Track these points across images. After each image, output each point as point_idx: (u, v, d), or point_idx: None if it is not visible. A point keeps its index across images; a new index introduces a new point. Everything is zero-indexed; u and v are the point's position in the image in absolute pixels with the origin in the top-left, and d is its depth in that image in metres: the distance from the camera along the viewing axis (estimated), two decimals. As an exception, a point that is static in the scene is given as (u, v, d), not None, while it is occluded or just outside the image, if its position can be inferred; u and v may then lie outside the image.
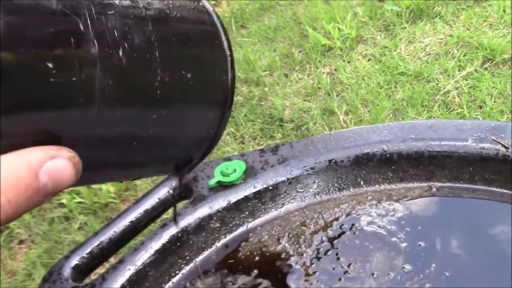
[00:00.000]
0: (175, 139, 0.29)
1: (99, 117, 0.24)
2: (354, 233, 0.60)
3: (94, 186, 1.50)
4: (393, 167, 0.66)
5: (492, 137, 0.63)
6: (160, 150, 0.29)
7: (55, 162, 0.24)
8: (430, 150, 0.64)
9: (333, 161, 0.66)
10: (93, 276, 0.63)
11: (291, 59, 1.76)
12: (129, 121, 0.26)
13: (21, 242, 1.46)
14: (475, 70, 1.45)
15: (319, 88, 1.62)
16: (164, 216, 0.75)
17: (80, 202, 1.47)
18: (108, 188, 1.48)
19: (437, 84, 1.46)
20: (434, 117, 1.34)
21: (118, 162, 0.28)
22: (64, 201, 1.47)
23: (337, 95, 1.56)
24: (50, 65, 0.22)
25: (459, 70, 1.48)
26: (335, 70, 1.67)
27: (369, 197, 0.65)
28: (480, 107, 1.35)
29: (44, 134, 0.24)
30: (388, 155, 0.65)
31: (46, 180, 0.23)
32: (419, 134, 0.66)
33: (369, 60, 1.66)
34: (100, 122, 0.25)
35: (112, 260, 1.14)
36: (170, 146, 0.29)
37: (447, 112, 1.38)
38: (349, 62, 1.68)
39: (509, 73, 1.40)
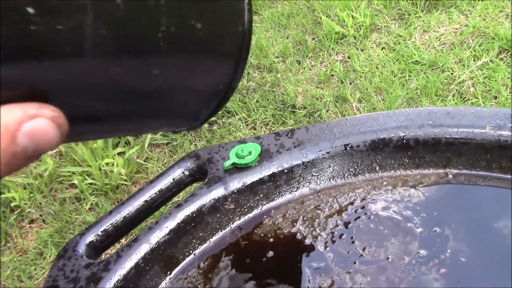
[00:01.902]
0: (180, 95, 0.26)
1: (89, 71, 0.21)
2: (369, 218, 0.60)
3: (106, 168, 1.51)
4: (409, 153, 0.65)
5: (511, 125, 0.62)
6: (164, 105, 0.25)
7: (36, 122, 0.21)
8: (447, 136, 0.64)
9: (349, 145, 0.66)
10: (106, 255, 0.64)
11: (304, 46, 1.75)
12: (125, 76, 0.23)
13: (32, 221, 1.47)
14: (491, 61, 1.44)
15: (332, 75, 1.61)
16: (177, 197, 0.76)
17: (91, 184, 1.48)
18: (120, 170, 1.48)
19: (451, 73, 1.45)
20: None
21: (112, 120, 0.25)
22: (75, 181, 1.48)
23: (350, 83, 1.56)
24: (31, 10, 0.18)
25: (474, 60, 1.46)
26: (349, 58, 1.66)
27: (385, 183, 0.65)
28: (495, 97, 1.33)
29: (25, 89, 0.21)
30: (404, 141, 0.65)
31: (25, 142, 0.21)
32: (436, 121, 0.65)
33: (383, 48, 1.65)
34: (91, 77, 0.22)
35: (124, 241, 1.15)
36: (175, 103, 0.26)
37: (462, 102, 1.37)
38: (362, 50, 1.67)
39: (525, 64, 1.39)
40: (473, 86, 1.39)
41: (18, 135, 0.21)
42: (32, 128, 0.21)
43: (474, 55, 1.49)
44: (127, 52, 0.22)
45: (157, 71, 0.23)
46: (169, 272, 0.60)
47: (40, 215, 1.47)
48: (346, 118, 0.69)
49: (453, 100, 1.37)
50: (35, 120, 0.21)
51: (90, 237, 0.62)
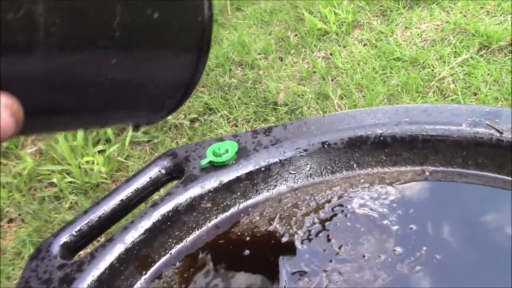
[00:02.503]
0: (141, 87, 0.25)
1: (44, 61, 0.21)
2: (346, 216, 0.60)
3: (86, 166, 1.49)
4: (386, 150, 0.65)
5: (487, 122, 0.63)
6: (124, 97, 0.25)
7: None
8: (424, 134, 0.64)
9: (327, 143, 0.66)
10: (81, 255, 0.63)
11: (286, 43, 1.74)
12: (81, 66, 0.22)
13: (10, 220, 1.45)
14: (471, 57, 1.45)
15: (314, 72, 1.61)
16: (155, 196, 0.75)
17: (71, 182, 1.46)
18: (100, 168, 1.47)
19: (432, 70, 1.46)
20: (429, 103, 1.33)
21: (72, 110, 0.24)
22: (54, 180, 1.46)
23: (332, 80, 1.56)
24: None
25: (454, 57, 1.47)
26: (331, 54, 1.66)
27: (362, 180, 0.65)
28: (475, 93, 1.34)
29: None
30: (382, 138, 0.65)
31: None
32: (413, 118, 0.65)
33: (364, 45, 1.65)
34: (46, 67, 0.21)
35: (101, 239, 1.14)
36: (136, 95, 0.25)
37: (442, 98, 1.38)
38: (344, 46, 1.67)
39: (504, 61, 1.40)
40: (453, 83, 1.40)
41: None
42: None
43: (455, 51, 1.50)
44: (82, 42, 0.21)
45: (114, 61, 0.23)
46: (144, 272, 0.60)
47: (19, 214, 1.45)
48: (324, 116, 0.68)
49: (434, 96, 1.38)
50: None
51: (64, 238, 0.61)
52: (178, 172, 0.67)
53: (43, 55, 0.20)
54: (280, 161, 0.65)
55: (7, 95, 0.21)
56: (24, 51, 0.20)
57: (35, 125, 0.23)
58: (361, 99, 1.44)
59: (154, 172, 0.67)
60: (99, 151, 1.53)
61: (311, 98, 1.50)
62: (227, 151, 0.65)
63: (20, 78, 0.21)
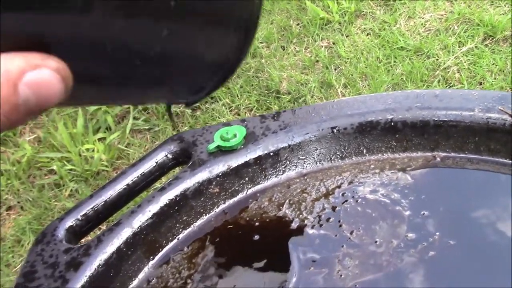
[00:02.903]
0: (187, 63, 0.25)
1: (97, 25, 0.20)
2: (357, 201, 0.59)
3: (86, 153, 1.48)
4: (397, 136, 0.64)
5: (499, 107, 0.62)
6: (168, 73, 0.25)
7: (39, 72, 0.19)
8: (436, 119, 0.63)
9: (336, 128, 0.65)
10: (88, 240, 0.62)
11: (288, 32, 1.73)
12: (133, 34, 0.21)
13: (9, 208, 1.44)
14: (476, 47, 1.44)
15: (317, 61, 1.60)
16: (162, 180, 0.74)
17: (71, 170, 1.45)
18: (100, 156, 1.45)
19: (437, 59, 1.45)
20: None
21: (117, 80, 0.24)
22: (54, 167, 1.45)
23: (335, 69, 1.54)
24: None
25: (459, 46, 1.46)
26: (334, 43, 1.64)
27: (372, 166, 0.64)
28: (480, 83, 1.33)
29: (29, 40, 0.19)
30: (392, 124, 0.64)
31: (27, 93, 0.19)
32: (424, 103, 0.64)
33: (368, 34, 1.64)
34: (98, 32, 0.20)
35: (104, 226, 1.13)
36: (181, 70, 0.25)
37: (447, 87, 1.37)
38: (347, 36, 1.66)
39: (509, 50, 1.39)
40: (458, 72, 1.39)
41: (19, 85, 0.19)
42: (36, 79, 0.19)
43: (459, 41, 1.48)
44: (137, 9, 0.21)
45: (165, 32, 0.22)
46: (151, 257, 0.59)
47: (18, 202, 1.43)
48: (334, 101, 0.67)
49: (438, 85, 1.37)
50: (39, 70, 0.19)
51: (70, 222, 0.60)
52: (184, 157, 0.66)
53: (97, 19, 0.20)
54: (289, 146, 0.64)
55: (57, 59, 0.20)
56: (79, 14, 0.19)
57: (78, 96, 0.22)
58: (365, 87, 1.43)
59: (160, 156, 0.66)
60: (100, 139, 1.52)
61: (315, 86, 1.49)
62: (235, 135, 0.64)
63: (71, 42, 0.20)
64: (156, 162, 0.65)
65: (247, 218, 0.61)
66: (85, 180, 1.43)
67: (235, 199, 0.63)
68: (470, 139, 0.62)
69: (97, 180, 1.43)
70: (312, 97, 1.46)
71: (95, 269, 0.54)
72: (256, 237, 0.58)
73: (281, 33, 1.74)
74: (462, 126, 0.62)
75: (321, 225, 0.57)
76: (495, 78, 1.33)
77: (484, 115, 0.61)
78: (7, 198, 1.45)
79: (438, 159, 0.63)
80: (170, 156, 0.66)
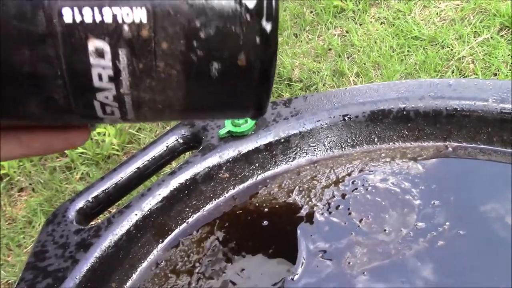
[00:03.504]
0: (224, 115, 0.27)
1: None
2: (367, 189, 0.59)
3: (97, 137, 1.49)
4: (409, 125, 0.64)
5: (515, 98, 0.61)
6: (220, 115, 0.27)
7: None
8: (449, 108, 0.62)
9: (348, 116, 0.64)
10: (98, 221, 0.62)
11: (301, 19, 1.71)
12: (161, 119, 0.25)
13: (21, 190, 1.45)
14: (491, 37, 1.42)
15: (330, 49, 1.59)
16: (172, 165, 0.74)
17: (82, 153, 1.46)
18: (111, 140, 1.46)
19: (451, 50, 1.43)
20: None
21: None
22: (66, 150, 1.46)
23: (348, 57, 1.53)
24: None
25: (474, 37, 1.44)
26: (347, 32, 1.63)
27: (383, 155, 0.64)
28: (495, 74, 1.32)
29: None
30: (404, 113, 0.63)
31: None
32: (438, 92, 0.64)
33: (382, 23, 1.62)
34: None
35: (113, 209, 1.14)
36: (225, 114, 0.27)
37: (461, 78, 1.35)
38: (361, 24, 1.64)
39: (525, 42, 1.37)
40: (473, 63, 1.37)
41: None
42: None
43: (475, 31, 1.46)
44: (160, 114, 0.24)
45: (186, 116, 0.25)
46: (161, 240, 0.59)
47: (30, 184, 1.45)
48: (345, 89, 0.67)
49: (452, 76, 1.35)
50: None
51: (81, 203, 0.60)
52: (195, 142, 0.66)
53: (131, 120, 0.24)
54: (300, 133, 0.64)
55: None
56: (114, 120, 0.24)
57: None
58: (378, 77, 1.42)
59: (171, 140, 0.66)
60: (111, 123, 1.52)
61: (327, 75, 1.48)
62: (246, 121, 0.64)
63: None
64: (167, 146, 0.66)
65: (257, 204, 0.61)
66: (96, 163, 1.44)
67: (245, 184, 0.63)
68: (483, 129, 0.62)
69: (108, 163, 1.44)
70: (324, 85, 1.45)
71: (105, 250, 0.55)
72: (265, 223, 0.58)
73: (294, 20, 1.73)
74: (475, 116, 0.61)
75: (330, 213, 0.57)
76: (510, 70, 1.31)
77: (498, 106, 0.61)
78: (19, 179, 1.46)
79: (450, 149, 0.62)
80: (180, 140, 0.66)
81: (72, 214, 0.60)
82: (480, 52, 1.39)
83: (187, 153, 0.69)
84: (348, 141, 0.65)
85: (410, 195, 0.57)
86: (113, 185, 0.62)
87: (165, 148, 0.65)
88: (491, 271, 0.49)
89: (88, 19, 0.21)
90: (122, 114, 0.23)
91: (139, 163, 0.64)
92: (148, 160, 0.64)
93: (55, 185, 1.41)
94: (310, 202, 0.59)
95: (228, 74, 0.23)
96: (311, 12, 1.75)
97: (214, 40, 0.22)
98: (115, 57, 0.22)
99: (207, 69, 0.23)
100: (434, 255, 0.51)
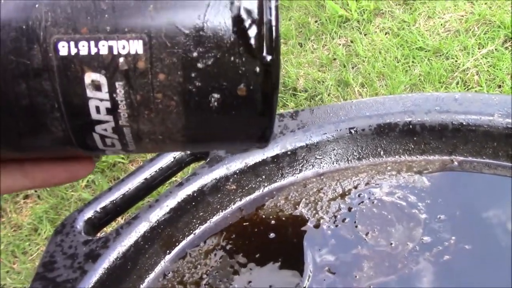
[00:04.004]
0: (231, 144, 0.26)
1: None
2: (373, 203, 0.60)
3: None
4: (415, 138, 0.64)
5: (520, 113, 0.61)
6: (225, 146, 0.27)
7: None
8: (455, 123, 0.63)
9: (354, 129, 0.65)
10: (102, 233, 0.63)
11: (306, 29, 1.73)
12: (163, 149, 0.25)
13: (26, 197, 1.46)
14: (496, 49, 1.42)
15: (335, 59, 1.60)
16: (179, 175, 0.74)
17: (88, 161, 1.46)
18: (117, 148, 1.47)
19: (456, 61, 1.44)
20: (450, 95, 1.32)
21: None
22: (72, 158, 1.47)
23: (353, 67, 1.54)
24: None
25: (479, 48, 1.45)
26: (352, 42, 1.64)
27: (389, 168, 0.64)
28: (499, 86, 1.32)
29: None
30: (410, 126, 0.64)
31: None
32: (444, 106, 0.64)
33: (386, 33, 1.63)
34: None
35: (121, 219, 1.14)
36: (235, 143, 0.26)
37: (465, 90, 1.36)
38: (365, 34, 1.65)
39: (530, 54, 1.37)
40: (477, 74, 1.38)
41: None
42: None
43: (479, 43, 1.47)
44: (161, 145, 0.25)
45: (189, 147, 0.25)
46: (168, 251, 0.60)
47: (35, 191, 1.45)
48: (352, 101, 0.68)
49: (457, 87, 1.36)
50: None
51: (89, 214, 0.61)
52: (202, 153, 0.67)
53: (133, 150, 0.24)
54: (307, 145, 0.65)
55: None
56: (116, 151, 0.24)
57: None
58: (382, 87, 1.43)
59: (178, 152, 0.66)
60: (116, 131, 1.53)
61: (331, 85, 1.49)
62: (253, 133, 0.65)
63: None
64: (174, 158, 0.66)
65: (263, 216, 0.61)
66: (102, 171, 1.45)
67: (252, 196, 0.64)
68: (488, 144, 0.62)
69: (113, 171, 1.45)
70: (328, 95, 1.46)
71: (113, 261, 0.55)
72: (272, 235, 0.58)
73: (299, 30, 1.74)
74: (481, 130, 0.62)
75: (336, 226, 0.58)
76: (514, 81, 1.32)
77: (504, 121, 0.61)
78: (25, 186, 1.47)
79: (456, 163, 0.63)
80: (188, 151, 0.67)
81: (80, 224, 0.60)
82: (484, 64, 1.40)
83: (194, 164, 0.70)
84: (354, 154, 0.65)
85: (416, 209, 0.57)
86: (121, 196, 0.63)
87: (172, 159, 0.66)
88: (497, 286, 0.50)
89: (83, 52, 0.21)
90: (123, 145, 0.23)
91: (147, 174, 0.65)
92: (156, 171, 0.65)
93: (60, 193, 1.42)
94: (316, 215, 0.60)
95: (228, 104, 0.22)
96: (316, 21, 1.76)
97: (213, 71, 0.22)
98: (112, 89, 0.21)
99: (206, 100, 0.22)
100: (440, 269, 0.51)
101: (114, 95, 0.21)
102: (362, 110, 0.66)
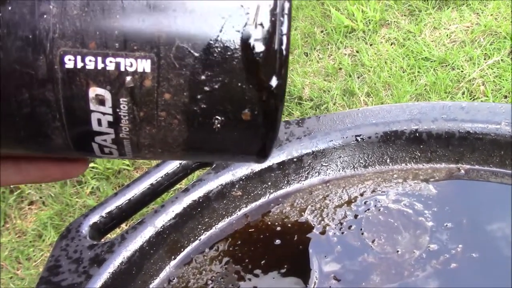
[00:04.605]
0: (232, 157, 0.26)
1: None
2: (379, 210, 0.59)
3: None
4: (421, 146, 0.64)
5: (527, 122, 0.61)
6: (226, 159, 0.27)
7: None
8: (461, 131, 0.63)
9: (360, 136, 0.65)
10: (106, 239, 0.63)
11: (312, 39, 1.73)
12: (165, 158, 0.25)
13: (31, 203, 1.46)
14: (502, 60, 1.42)
15: (340, 69, 1.60)
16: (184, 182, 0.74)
17: (92, 167, 1.47)
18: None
19: (461, 71, 1.44)
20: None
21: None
22: (77, 165, 1.47)
23: (358, 77, 1.54)
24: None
25: (485, 59, 1.45)
26: (357, 52, 1.64)
27: (395, 175, 0.64)
28: (505, 96, 1.32)
29: None
30: (417, 134, 0.64)
31: None
32: (450, 115, 0.64)
33: (392, 44, 1.64)
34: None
35: (125, 226, 1.14)
36: (236, 158, 0.26)
37: (471, 100, 1.36)
38: (371, 45, 1.66)
39: (536, 65, 1.37)
40: (483, 85, 1.38)
41: None
42: None
43: (485, 53, 1.47)
44: (160, 154, 0.25)
45: (190, 157, 0.25)
46: (173, 257, 0.59)
47: (40, 197, 1.46)
48: (358, 109, 0.68)
49: (463, 97, 1.36)
50: None
51: (94, 218, 0.61)
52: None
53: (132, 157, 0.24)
54: (313, 152, 0.65)
55: None
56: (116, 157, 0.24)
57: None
58: (388, 97, 1.43)
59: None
60: (122, 138, 1.54)
61: (337, 94, 1.49)
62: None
63: None
64: (180, 163, 0.66)
65: (269, 222, 0.61)
66: (107, 178, 1.45)
67: (257, 203, 0.64)
68: (495, 152, 0.62)
69: (118, 178, 1.45)
70: (334, 104, 1.46)
71: (118, 266, 0.55)
72: (277, 241, 0.58)
73: (305, 39, 1.75)
74: (488, 139, 0.62)
75: (342, 233, 0.58)
76: (520, 92, 1.32)
77: (511, 129, 0.61)
78: (30, 193, 1.47)
79: (462, 171, 0.63)
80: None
81: (85, 229, 0.60)
82: (490, 74, 1.40)
83: (200, 170, 0.70)
84: (361, 161, 0.65)
85: (423, 217, 0.57)
86: (127, 201, 0.63)
87: (178, 165, 0.66)
88: (504, 295, 0.49)
89: (90, 67, 0.21)
90: (121, 154, 0.23)
91: (153, 179, 0.65)
92: (162, 177, 0.65)
93: (65, 199, 1.42)
94: (322, 222, 0.60)
95: (231, 126, 0.22)
96: (322, 31, 1.76)
97: (219, 94, 0.22)
98: (115, 104, 0.21)
99: (209, 121, 0.22)
100: (446, 277, 0.51)
101: (117, 110, 0.21)
102: (368, 118, 0.66)
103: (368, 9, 1.74)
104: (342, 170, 0.66)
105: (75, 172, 0.26)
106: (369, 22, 1.72)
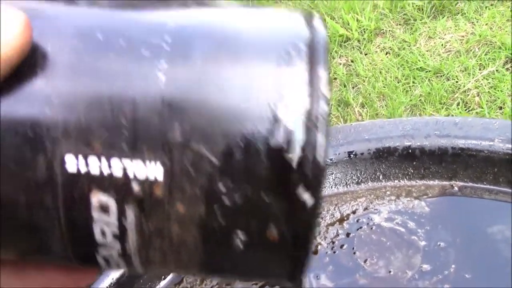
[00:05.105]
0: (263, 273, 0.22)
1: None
2: (371, 228, 0.59)
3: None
4: (414, 163, 0.64)
5: (521, 139, 0.61)
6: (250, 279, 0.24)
7: None
8: (455, 147, 0.62)
9: (353, 153, 0.64)
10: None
11: (307, 48, 1.73)
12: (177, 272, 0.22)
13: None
14: (497, 70, 1.42)
15: (335, 78, 1.60)
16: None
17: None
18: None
19: (456, 82, 1.44)
20: (453, 115, 1.31)
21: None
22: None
23: (353, 87, 1.54)
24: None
25: (480, 69, 1.45)
26: (352, 61, 1.64)
27: (388, 192, 0.63)
28: (500, 107, 1.32)
29: None
30: (410, 151, 0.63)
31: None
32: (443, 131, 0.64)
33: (387, 53, 1.64)
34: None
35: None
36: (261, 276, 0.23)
37: (466, 111, 1.35)
38: (366, 54, 1.65)
39: (531, 75, 1.37)
40: (478, 95, 1.37)
41: None
42: None
43: (480, 63, 1.47)
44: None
45: (207, 275, 0.22)
46: (163, 277, 0.59)
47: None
48: (351, 124, 0.67)
49: (458, 108, 1.36)
50: None
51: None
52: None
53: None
54: (305, 169, 0.64)
55: None
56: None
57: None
58: (383, 108, 1.43)
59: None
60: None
61: (332, 104, 1.48)
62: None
63: None
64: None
65: (260, 241, 0.60)
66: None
67: (249, 220, 0.63)
68: (489, 169, 0.61)
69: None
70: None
71: (107, 287, 0.54)
72: (269, 261, 0.57)
73: (300, 49, 1.75)
74: (481, 156, 0.61)
75: (334, 252, 0.57)
76: (515, 103, 1.31)
77: (504, 146, 0.61)
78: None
79: (456, 188, 0.62)
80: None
81: (74, 248, 0.59)
82: (485, 85, 1.40)
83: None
84: (353, 178, 0.65)
85: (416, 236, 0.57)
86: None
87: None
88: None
89: (94, 171, 0.18)
90: (129, 267, 0.21)
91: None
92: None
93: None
94: (314, 241, 0.59)
95: (255, 247, 0.19)
96: (317, 41, 1.76)
97: (241, 209, 0.18)
98: (121, 214, 0.19)
99: (229, 238, 0.19)
100: (439, 299, 0.50)
101: (123, 220, 0.19)
102: (361, 134, 0.66)
103: (363, 18, 1.74)
104: (335, 187, 0.65)
105: (85, 281, 0.23)
106: (364, 31, 1.72)
